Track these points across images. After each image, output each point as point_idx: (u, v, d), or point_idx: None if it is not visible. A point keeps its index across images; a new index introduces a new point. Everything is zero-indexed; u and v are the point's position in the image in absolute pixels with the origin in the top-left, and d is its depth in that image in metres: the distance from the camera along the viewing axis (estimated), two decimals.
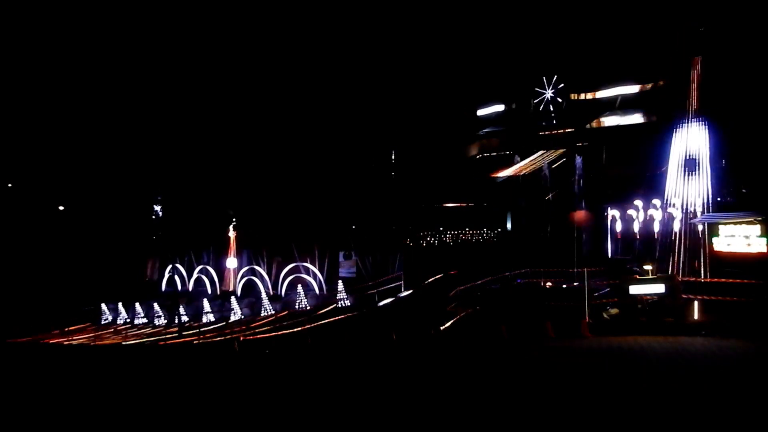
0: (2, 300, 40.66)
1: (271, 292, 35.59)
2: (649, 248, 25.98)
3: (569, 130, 40.58)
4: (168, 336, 31.97)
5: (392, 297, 29.49)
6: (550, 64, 46.34)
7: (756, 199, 27.25)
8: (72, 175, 49.63)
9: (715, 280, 21.93)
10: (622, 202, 30.35)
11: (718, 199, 25.65)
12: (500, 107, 47.68)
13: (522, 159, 41.56)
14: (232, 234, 40.35)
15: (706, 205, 23.64)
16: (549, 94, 45.23)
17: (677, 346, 14.85)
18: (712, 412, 8.24)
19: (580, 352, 14.77)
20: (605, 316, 20.74)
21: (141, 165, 49.36)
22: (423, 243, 34.12)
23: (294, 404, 10.38)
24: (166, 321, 36.06)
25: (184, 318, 34.02)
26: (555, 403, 9.22)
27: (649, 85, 39.64)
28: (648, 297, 19.71)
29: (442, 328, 22.74)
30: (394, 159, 39.53)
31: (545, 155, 39.97)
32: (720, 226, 22.57)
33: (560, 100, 44.65)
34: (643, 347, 14.61)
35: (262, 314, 32.87)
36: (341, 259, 35.92)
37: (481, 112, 49.19)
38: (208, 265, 41.30)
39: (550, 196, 35.53)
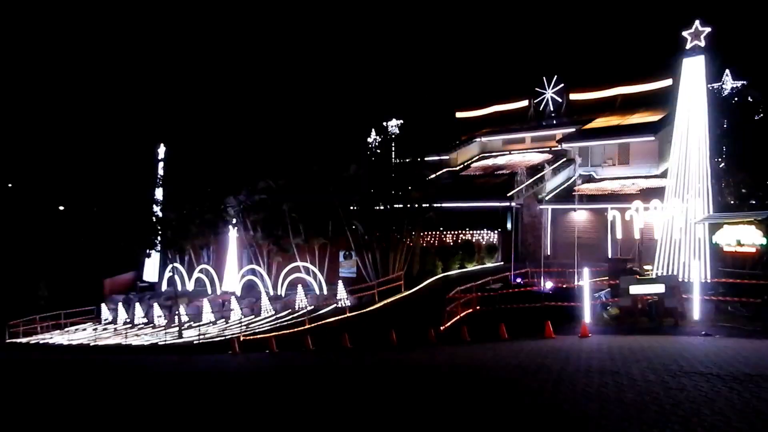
0: (2, 300, 40.73)
1: (271, 292, 35.61)
2: (649, 248, 26.01)
3: (569, 129, 40.58)
4: (168, 336, 32.02)
5: (392, 297, 29.49)
6: (550, 64, 46.42)
7: (756, 199, 27.29)
8: (72, 175, 49.69)
9: (716, 280, 21.98)
10: (622, 202, 30.39)
11: (719, 199, 25.68)
12: (500, 107, 47.76)
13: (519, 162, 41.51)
14: (232, 234, 40.36)
15: (706, 206, 23.66)
16: (549, 94, 45.25)
17: (677, 345, 14.86)
18: (709, 409, 8.23)
19: (581, 351, 14.77)
20: (605, 316, 20.77)
21: (140, 166, 49.42)
22: (423, 243, 34.09)
23: (294, 405, 10.37)
24: (166, 321, 36.08)
25: (184, 318, 34.03)
26: (556, 403, 9.21)
27: (650, 85, 39.65)
28: (648, 297, 19.75)
29: (442, 328, 22.77)
30: (394, 158, 39.43)
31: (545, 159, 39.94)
32: (720, 227, 22.62)
33: (560, 100, 44.69)
34: (643, 347, 14.60)
35: (262, 314, 32.89)
36: (341, 259, 35.91)
37: (480, 112, 49.29)
38: (208, 265, 41.31)
39: (549, 196, 35.53)
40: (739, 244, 21.85)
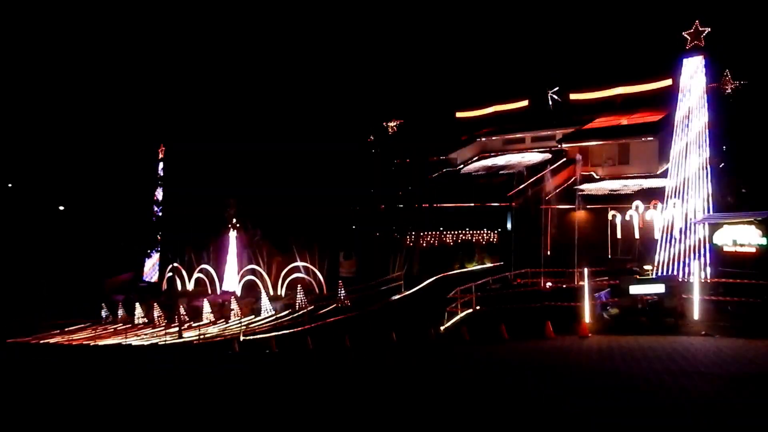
0: (2, 300, 40.71)
1: (271, 292, 35.61)
2: (649, 248, 25.99)
3: (569, 129, 40.55)
4: (168, 336, 32.01)
5: (392, 297, 29.50)
6: (550, 64, 46.40)
7: (756, 199, 27.27)
8: (72, 175, 49.67)
9: (716, 280, 21.96)
10: (622, 202, 30.39)
11: (719, 199, 25.64)
12: (500, 107, 47.71)
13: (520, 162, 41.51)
14: (232, 234, 40.38)
15: (706, 206, 23.65)
16: (549, 94, 45.21)
17: (677, 345, 14.86)
18: (707, 409, 8.24)
19: (581, 351, 14.78)
20: (605, 316, 20.73)
21: (140, 166, 49.43)
22: (423, 243, 34.10)
23: (294, 405, 10.37)
24: (165, 321, 36.08)
25: (184, 318, 34.04)
26: (557, 402, 9.21)
27: (650, 85, 39.62)
28: (648, 297, 19.71)
29: (442, 328, 22.76)
30: (394, 159, 39.48)
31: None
32: (720, 227, 22.61)
33: (560, 100, 44.65)
34: (643, 347, 14.61)
35: (262, 314, 32.90)
36: (341, 259, 35.94)
37: (480, 112, 49.24)
38: (208, 265, 41.33)
39: (549, 196, 35.51)
40: (738, 244, 21.84)
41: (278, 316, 31.79)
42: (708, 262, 22.96)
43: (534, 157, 41.32)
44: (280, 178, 37.33)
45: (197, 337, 29.61)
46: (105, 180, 48.81)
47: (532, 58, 50.67)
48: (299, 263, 35.15)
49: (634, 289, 19.54)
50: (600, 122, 40.18)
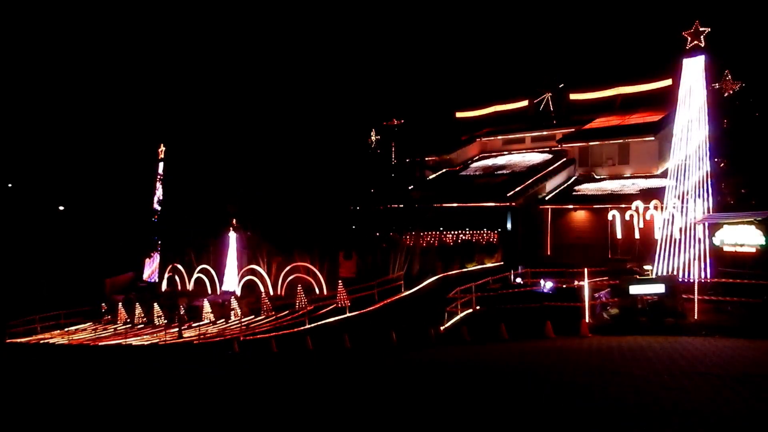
0: (2, 300, 40.71)
1: (271, 292, 35.61)
2: (649, 248, 26.00)
3: (569, 129, 40.56)
4: (168, 336, 32.01)
5: (392, 297, 29.49)
6: (550, 64, 46.41)
7: (756, 199, 27.29)
8: (72, 175, 49.73)
9: (716, 280, 21.97)
10: (622, 202, 30.41)
11: (719, 199, 25.68)
12: (500, 107, 47.72)
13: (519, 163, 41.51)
14: (232, 234, 40.38)
15: (706, 206, 23.66)
16: (549, 94, 45.19)
17: (677, 345, 14.85)
18: (709, 409, 8.23)
19: (581, 351, 14.78)
20: (605, 316, 20.74)
21: (140, 166, 49.45)
22: (423, 243, 34.10)
23: (294, 406, 10.38)
24: (166, 321, 36.08)
25: (185, 318, 34.02)
26: (557, 403, 9.22)
27: (650, 85, 39.62)
28: (648, 297, 19.72)
29: (442, 328, 22.76)
30: (394, 159, 39.48)
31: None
32: (720, 226, 22.62)
33: (560, 99, 44.63)
34: (643, 347, 14.61)
35: (262, 314, 32.90)
36: (341, 259, 35.91)
37: (480, 112, 49.25)
38: (208, 265, 41.32)
39: (549, 196, 35.54)
40: (738, 244, 21.85)
41: (278, 316, 31.78)
42: (708, 261, 22.97)
43: (534, 157, 41.35)
44: (280, 178, 37.25)
45: (197, 337, 29.62)
46: (105, 180, 48.84)
47: (532, 58, 50.72)
48: (299, 263, 35.14)
49: (634, 289, 19.54)
50: (600, 122, 40.19)
